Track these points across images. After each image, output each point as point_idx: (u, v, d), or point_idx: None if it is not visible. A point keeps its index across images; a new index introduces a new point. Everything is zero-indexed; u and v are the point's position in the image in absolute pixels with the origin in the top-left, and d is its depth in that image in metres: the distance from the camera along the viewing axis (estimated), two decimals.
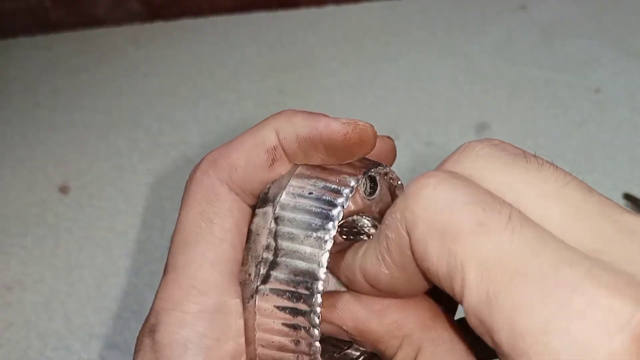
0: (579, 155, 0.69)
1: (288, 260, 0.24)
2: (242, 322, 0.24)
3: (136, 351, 0.24)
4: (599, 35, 0.84)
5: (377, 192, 0.27)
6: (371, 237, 0.28)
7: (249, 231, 0.25)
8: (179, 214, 0.26)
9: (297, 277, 0.24)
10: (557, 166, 0.22)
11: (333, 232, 0.24)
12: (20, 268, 0.67)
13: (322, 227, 0.24)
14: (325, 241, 0.24)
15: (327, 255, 0.23)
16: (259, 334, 0.24)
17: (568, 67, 0.80)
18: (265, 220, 0.25)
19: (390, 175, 0.27)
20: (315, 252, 0.24)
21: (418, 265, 0.20)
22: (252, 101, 0.83)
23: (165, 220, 0.68)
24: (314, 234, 0.24)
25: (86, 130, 0.82)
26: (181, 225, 0.25)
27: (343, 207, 0.24)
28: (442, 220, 0.19)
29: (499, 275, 0.18)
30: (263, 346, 0.25)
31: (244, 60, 0.89)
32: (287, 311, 0.24)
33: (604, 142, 0.71)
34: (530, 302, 0.17)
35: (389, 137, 0.29)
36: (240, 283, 0.25)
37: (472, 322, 0.19)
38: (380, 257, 0.22)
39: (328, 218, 0.24)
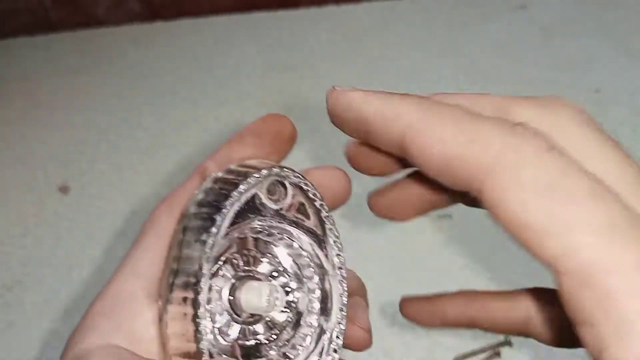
0: None
1: (184, 266, 0.25)
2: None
3: None
4: (599, 35, 0.84)
5: (288, 196, 0.28)
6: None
7: (170, 244, 0.26)
8: None
9: (188, 280, 0.24)
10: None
11: (214, 233, 0.24)
12: (20, 268, 0.67)
13: (206, 231, 0.25)
14: (204, 242, 0.24)
15: (206, 256, 0.24)
16: (171, 342, 0.25)
17: (568, 67, 0.80)
18: (177, 233, 0.26)
19: (302, 181, 0.29)
20: (197, 256, 0.24)
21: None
22: (252, 101, 0.83)
23: None
24: (200, 238, 0.24)
25: (86, 130, 0.82)
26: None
27: (227, 209, 0.25)
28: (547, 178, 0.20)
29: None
30: (175, 355, 0.25)
31: (244, 60, 0.89)
32: (183, 316, 0.25)
33: None
34: None
35: (340, 170, 0.31)
36: (159, 297, 0.26)
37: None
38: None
39: (212, 221, 0.25)
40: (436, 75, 0.82)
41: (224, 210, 0.25)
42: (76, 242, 0.69)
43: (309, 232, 0.30)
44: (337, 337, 0.30)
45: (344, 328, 0.30)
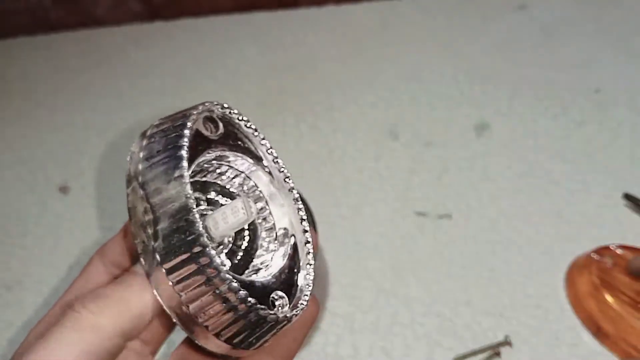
0: (579, 155, 0.69)
1: (164, 209, 0.26)
2: None
3: None
4: (599, 35, 0.84)
5: (221, 127, 0.30)
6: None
7: (129, 210, 0.27)
8: None
9: (176, 217, 0.26)
10: None
11: (185, 165, 0.26)
12: (20, 268, 0.67)
13: (176, 167, 0.26)
14: (182, 175, 0.26)
15: (188, 185, 0.26)
16: (180, 296, 0.26)
17: (568, 67, 0.80)
18: (135, 192, 0.27)
19: (230, 110, 0.31)
20: (179, 189, 0.26)
21: None
22: (252, 101, 0.83)
23: None
24: (173, 176, 0.26)
25: (86, 130, 0.82)
26: None
27: (186, 146, 0.27)
28: None
29: None
30: (189, 303, 0.26)
31: (244, 60, 0.89)
32: (184, 255, 0.26)
33: (604, 142, 0.71)
34: None
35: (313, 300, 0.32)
36: (140, 255, 0.27)
37: None
38: None
39: (177, 158, 0.26)
40: (436, 75, 0.82)
41: (184, 146, 0.27)
42: (76, 242, 0.69)
43: (249, 154, 0.32)
44: (306, 243, 0.32)
45: (309, 236, 0.32)
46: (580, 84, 0.78)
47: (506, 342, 0.55)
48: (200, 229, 0.25)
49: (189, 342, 0.29)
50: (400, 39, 0.89)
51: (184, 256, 0.25)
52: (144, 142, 0.28)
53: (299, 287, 0.31)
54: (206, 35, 0.95)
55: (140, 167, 0.27)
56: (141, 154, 0.27)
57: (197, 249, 0.25)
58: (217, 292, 0.26)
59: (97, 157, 0.78)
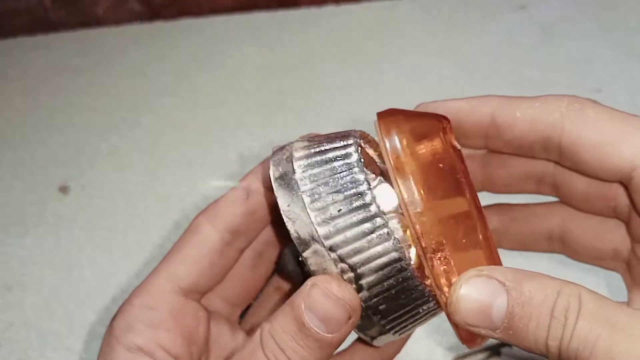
0: None
1: (368, 266, 0.25)
2: None
3: None
4: (599, 35, 0.84)
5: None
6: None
7: (314, 272, 0.26)
8: None
9: (386, 271, 0.25)
10: None
11: (382, 221, 0.25)
12: (20, 268, 0.67)
13: (374, 223, 0.25)
14: (387, 227, 0.25)
15: (395, 240, 0.25)
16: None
17: (568, 67, 0.80)
18: (321, 256, 0.25)
19: (367, 138, 0.32)
20: (386, 245, 0.25)
21: None
22: (252, 101, 0.83)
23: (165, 220, 0.68)
24: (374, 235, 0.25)
25: (86, 130, 0.82)
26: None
27: (370, 195, 0.25)
28: None
29: None
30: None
31: (244, 60, 0.89)
32: (408, 308, 0.27)
33: None
34: None
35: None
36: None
37: None
38: None
39: (370, 211, 0.25)
40: (436, 75, 0.82)
41: (368, 193, 0.25)
42: (76, 242, 0.68)
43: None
44: None
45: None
46: (580, 84, 0.78)
47: (506, 342, 0.55)
48: (418, 279, 0.25)
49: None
50: (400, 39, 0.89)
51: (410, 311, 0.27)
52: (307, 200, 0.25)
53: None
54: (206, 35, 0.95)
55: (320, 230, 0.25)
56: (312, 216, 0.25)
57: (422, 307, 0.27)
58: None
59: (97, 157, 0.78)
